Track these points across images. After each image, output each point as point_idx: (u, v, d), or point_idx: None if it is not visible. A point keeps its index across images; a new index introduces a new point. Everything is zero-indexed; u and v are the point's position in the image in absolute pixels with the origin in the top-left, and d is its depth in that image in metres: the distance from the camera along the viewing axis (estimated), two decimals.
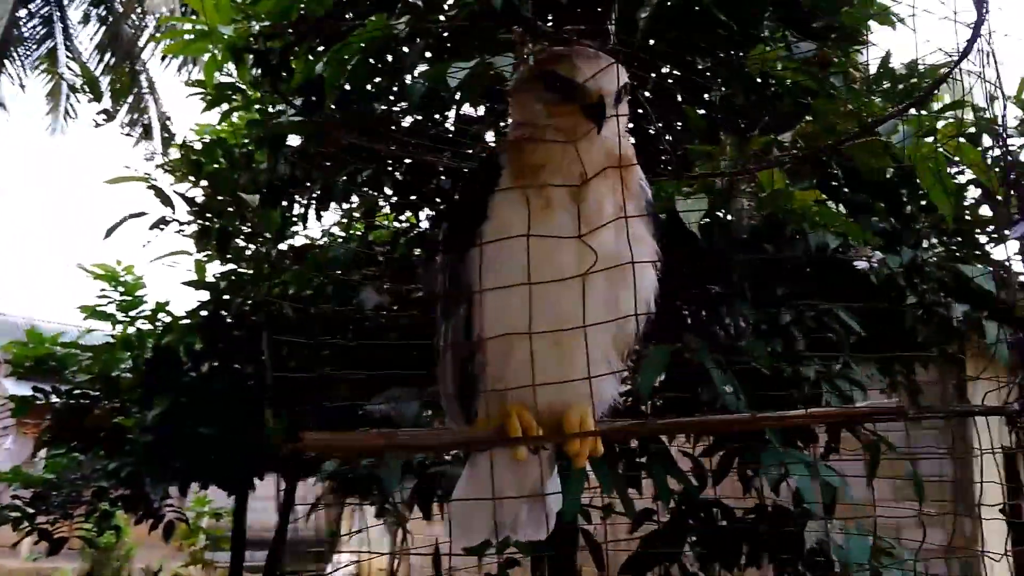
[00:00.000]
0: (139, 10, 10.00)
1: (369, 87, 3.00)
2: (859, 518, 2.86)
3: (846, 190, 2.76)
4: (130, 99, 9.06)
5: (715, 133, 2.28)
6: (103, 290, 5.57)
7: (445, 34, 2.68)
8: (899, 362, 3.13)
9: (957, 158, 1.74)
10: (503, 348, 1.43)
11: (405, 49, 2.71)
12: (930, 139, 1.78)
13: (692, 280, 2.29)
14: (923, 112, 2.01)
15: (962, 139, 1.79)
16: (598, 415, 1.51)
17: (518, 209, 1.40)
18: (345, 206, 3.93)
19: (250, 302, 3.77)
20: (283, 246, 4.01)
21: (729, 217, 2.06)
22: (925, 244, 3.11)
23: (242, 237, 3.94)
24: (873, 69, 2.80)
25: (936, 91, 2.61)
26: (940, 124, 2.20)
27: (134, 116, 10.08)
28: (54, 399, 4.78)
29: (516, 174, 1.46)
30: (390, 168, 3.49)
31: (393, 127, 3.14)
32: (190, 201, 3.76)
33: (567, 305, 1.37)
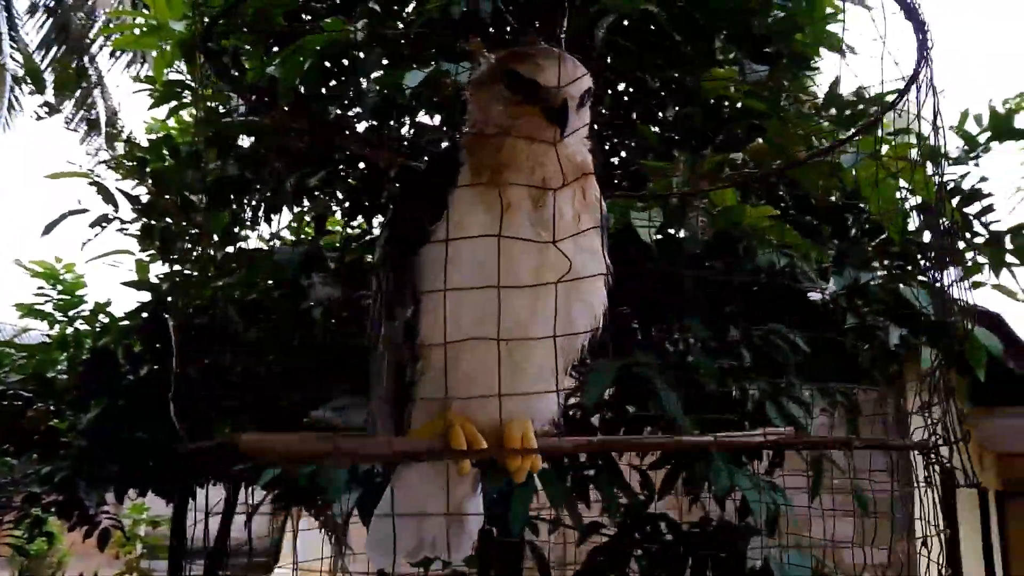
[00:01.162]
0: (89, 2, 9.76)
1: (324, 91, 2.96)
2: (800, 535, 2.91)
3: (792, 213, 2.82)
4: (77, 93, 8.82)
5: (669, 150, 2.30)
6: (41, 288, 5.39)
7: (403, 41, 2.66)
8: (840, 383, 3.19)
9: (903, 182, 1.79)
10: (450, 355, 1.35)
11: (361, 54, 2.68)
12: (874, 161, 1.83)
13: (643, 294, 2.30)
14: (870, 136, 2.06)
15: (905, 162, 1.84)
16: (539, 428, 1.45)
17: (477, 209, 1.34)
18: (296, 210, 3.88)
19: (194, 304, 3.68)
20: (231, 249, 3.93)
21: (682, 233, 2.08)
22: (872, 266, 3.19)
23: (187, 238, 3.84)
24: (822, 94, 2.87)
25: (882, 118, 2.69)
26: (884, 148, 2.26)
27: (81, 110, 9.81)
28: None
29: (476, 172, 1.39)
30: (343, 173, 3.45)
31: (347, 132, 3.10)
32: (134, 200, 3.66)
33: (522, 315, 1.31)
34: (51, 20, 10.13)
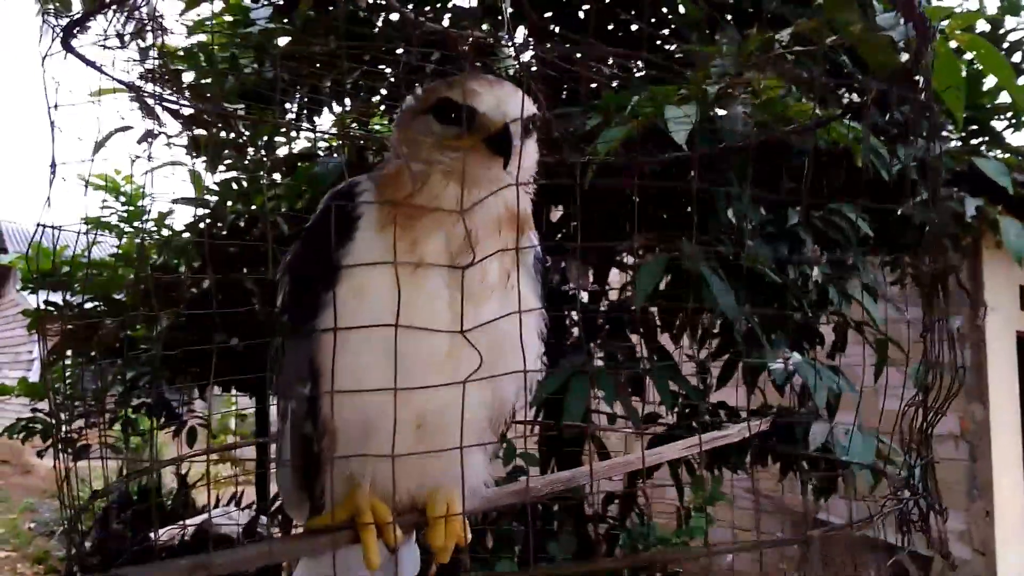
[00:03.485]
0: None
1: None
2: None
3: (858, 83, 2.61)
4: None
5: (712, 32, 2.12)
6: (104, 201, 5.53)
7: None
8: (908, 257, 3.04)
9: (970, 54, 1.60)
10: (357, 434, 1.18)
11: None
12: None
13: (682, 188, 2.19)
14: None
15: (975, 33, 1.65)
16: (467, 501, 1.24)
17: (380, 269, 1.13)
18: (338, 110, 3.80)
19: (246, 215, 3.71)
20: (282, 153, 3.91)
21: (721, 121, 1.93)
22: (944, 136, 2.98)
23: (233, 148, 3.83)
24: None
25: None
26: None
27: (125, 15, 9.69)
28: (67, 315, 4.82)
29: (382, 223, 1.18)
30: (382, 68, 3.34)
31: (379, 25, 2.98)
32: (175, 113, 3.63)
33: (438, 392, 1.12)
34: None
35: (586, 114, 2.17)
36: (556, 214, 3.03)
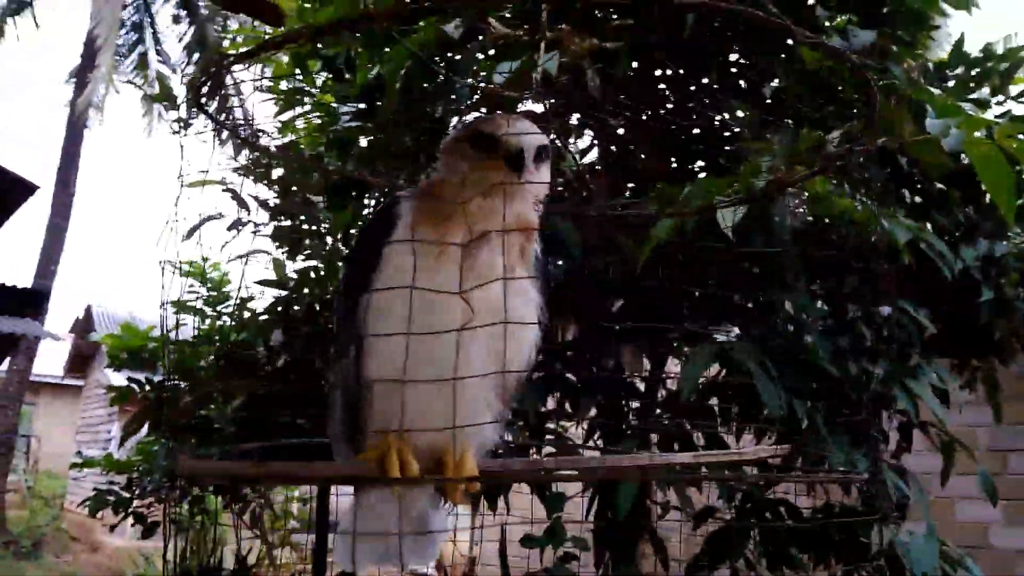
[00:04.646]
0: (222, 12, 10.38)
1: (427, 88, 3.06)
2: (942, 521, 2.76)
3: (919, 184, 2.66)
4: (216, 101, 9.46)
5: (762, 130, 2.22)
6: (191, 286, 5.84)
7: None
8: (976, 359, 2.99)
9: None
10: (389, 391, 1.53)
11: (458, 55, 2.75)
12: (983, 135, 1.69)
13: (734, 280, 2.25)
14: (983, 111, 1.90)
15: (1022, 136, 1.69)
16: (479, 454, 1.63)
17: (409, 260, 1.49)
18: None
19: (323, 298, 3.89)
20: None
21: (774, 218, 2.01)
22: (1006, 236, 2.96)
23: (315, 237, 4.06)
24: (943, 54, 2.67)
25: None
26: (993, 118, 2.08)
27: (221, 116, 10.50)
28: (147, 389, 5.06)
29: (417, 224, 1.56)
30: None
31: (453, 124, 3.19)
32: (263, 203, 3.91)
33: (449, 353, 1.46)
34: (192, 29, 10.86)
35: (643, 203, 2.28)
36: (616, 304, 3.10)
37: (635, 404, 2.87)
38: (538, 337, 1.64)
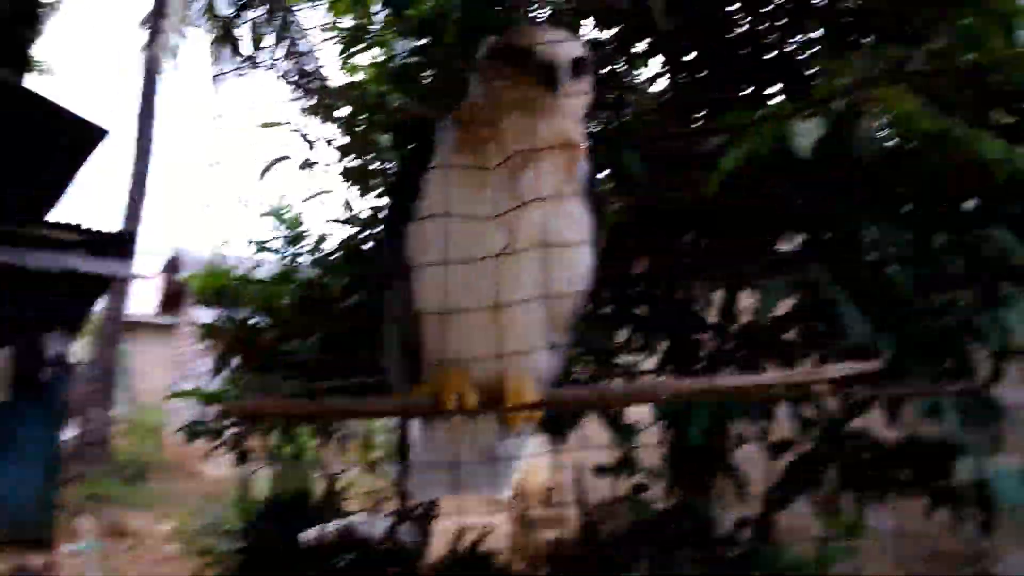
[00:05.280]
0: None
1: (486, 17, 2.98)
2: None
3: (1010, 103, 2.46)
4: (285, 43, 9.46)
5: (841, 49, 2.08)
6: (270, 226, 5.99)
7: None
8: None
9: None
10: (436, 323, 1.51)
11: None
12: None
13: (812, 207, 2.14)
14: None
15: None
16: (538, 382, 1.56)
17: (447, 189, 1.45)
18: None
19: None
20: None
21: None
22: None
23: (383, 175, 4.08)
24: None
25: None
26: None
27: (290, 60, 10.52)
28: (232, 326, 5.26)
29: (457, 149, 1.49)
30: None
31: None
32: (330, 143, 3.94)
33: (501, 279, 1.43)
34: None
35: (714, 133, 2.19)
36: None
37: (706, 338, 2.82)
38: (592, 262, 1.56)
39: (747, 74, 2.69)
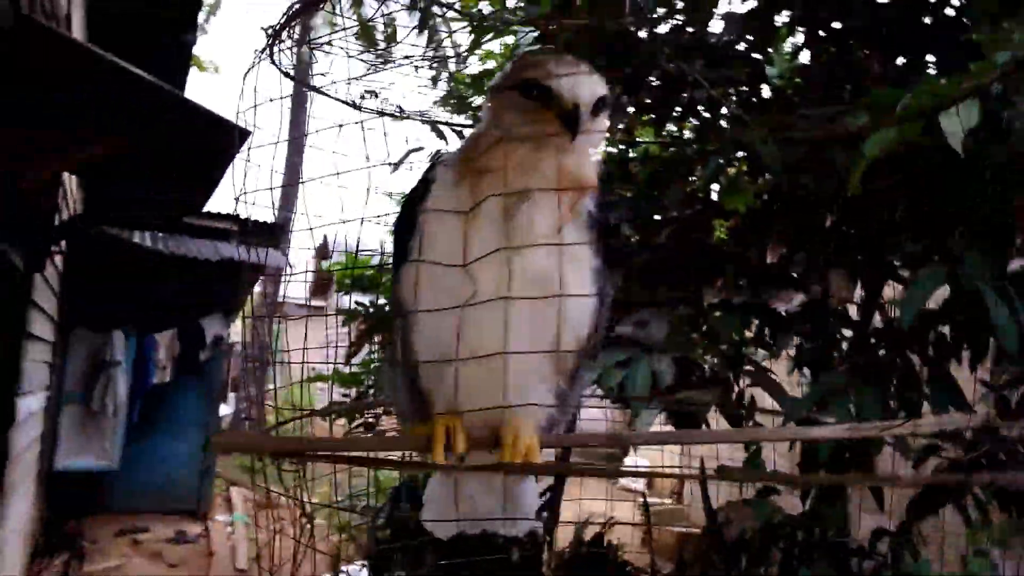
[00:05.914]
0: None
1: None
2: None
3: None
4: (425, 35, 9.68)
5: (1002, 19, 1.84)
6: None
7: None
8: None
9: None
10: (432, 367, 1.43)
11: None
12: None
13: (967, 195, 1.93)
14: None
15: None
16: (536, 427, 1.45)
17: (444, 224, 1.36)
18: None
19: None
20: None
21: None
22: None
23: None
24: None
25: None
26: None
27: (433, 49, 10.75)
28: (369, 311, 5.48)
29: (454, 186, 1.41)
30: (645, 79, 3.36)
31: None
32: (459, 134, 3.97)
33: (490, 326, 1.31)
34: None
35: (852, 112, 2.01)
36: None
37: (847, 333, 2.63)
38: (599, 304, 1.44)
39: (898, 43, 2.47)
